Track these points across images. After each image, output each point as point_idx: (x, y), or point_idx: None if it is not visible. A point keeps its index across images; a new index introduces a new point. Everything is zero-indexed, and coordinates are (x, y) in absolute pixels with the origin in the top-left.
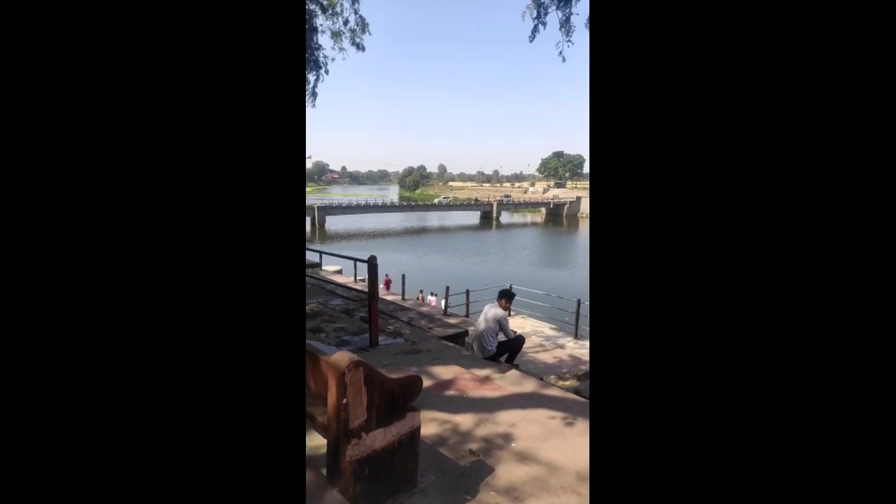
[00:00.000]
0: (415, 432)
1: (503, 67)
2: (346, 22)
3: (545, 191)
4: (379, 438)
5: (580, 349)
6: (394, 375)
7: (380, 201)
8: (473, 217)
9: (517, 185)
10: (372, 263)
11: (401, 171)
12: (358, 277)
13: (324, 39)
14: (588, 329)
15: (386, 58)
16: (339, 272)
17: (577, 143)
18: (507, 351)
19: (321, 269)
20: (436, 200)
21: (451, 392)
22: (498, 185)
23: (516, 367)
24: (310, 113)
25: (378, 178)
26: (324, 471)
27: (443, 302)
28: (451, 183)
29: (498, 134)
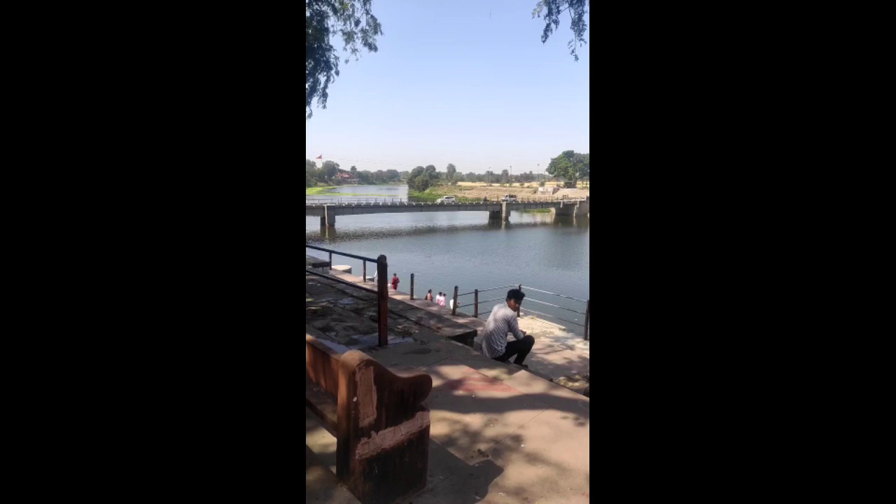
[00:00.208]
0: (424, 432)
1: (513, 67)
2: (357, 23)
3: (555, 191)
4: (388, 437)
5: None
6: (403, 375)
7: (389, 201)
8: (482, 217)
9: (527, 184)
10: (381, 263)
11: (410, 170)
12: (367, 277)
13: (335, 40)
14: None
15: (396, 57)
16: (349, 271)
17: (588, 142)
18: (517, 351)
19: (330, 268)
20: (438, 200)
21: (459, 392)
22: (507, 184)
23: (525, 367)
24: (320, 113)
25: (387, 177)
26: (333, 469)
27: (451, 302)
28: (460, 183)
29: (507, 134)
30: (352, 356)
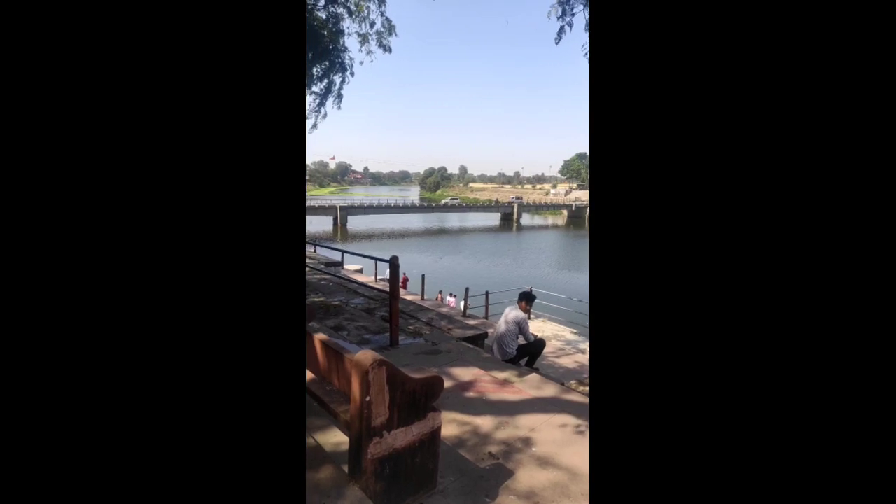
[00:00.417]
0: (435, 433)
1: (526, 67)
2: (372, 24)
3: (567, 193)
4: (400, 437)
5: None
6: (416, 375)
7: (400, 202)
8: (494, 219)
9: (539, 186)
10: (393, 264)
11: (422, 171)
12: (378, 277)
13: (350, 42)
14: None
15: (409, 58)
16: (360, 271)
17: None
18: (528, 354)
19: (342, 268)
20: (443, 202)
21: (470, 394)
22: (519, 186)
23: (536, 370)
24: (334, 114)
25: (399, 178)
26: (345, 467)
27: (462, 303)
28: (471, 184)
29: (520, 135)
30: (365, 356)
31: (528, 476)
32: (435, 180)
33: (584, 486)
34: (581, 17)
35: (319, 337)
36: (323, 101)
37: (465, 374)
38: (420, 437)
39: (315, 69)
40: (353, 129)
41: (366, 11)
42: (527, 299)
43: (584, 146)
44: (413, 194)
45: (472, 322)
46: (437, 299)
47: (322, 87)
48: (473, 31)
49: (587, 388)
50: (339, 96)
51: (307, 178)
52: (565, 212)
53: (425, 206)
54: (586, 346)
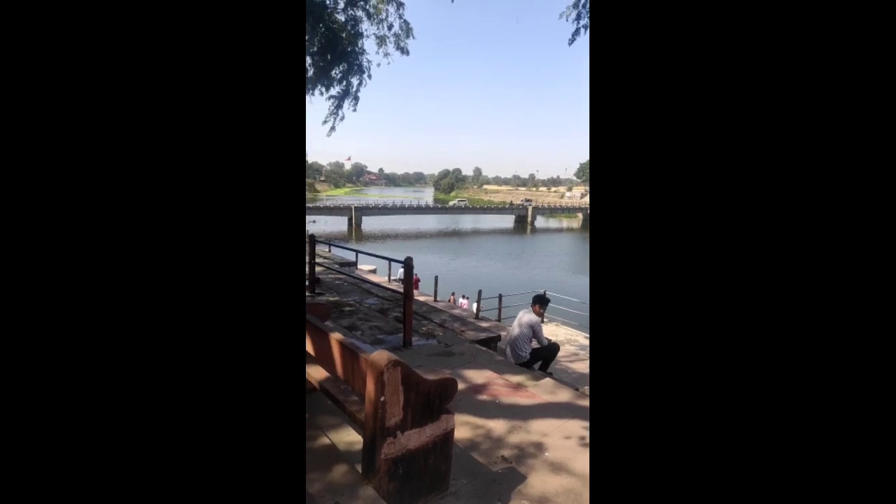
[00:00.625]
0: (448, 435)
1: (542, 68)
2: (390, 27)
3: (582, 196)
4: (413, 438)
5: None
6: (430, 377)
7: (414, 203)
8: (507, 221)
9: (554, 189)
10: (408, 265)
11: (436, 173)
12: (392, 277)
13: (367, 44)
14: None
15: (425, 60)
16: (374, 272)
17: None
18: (541, 358)
19: (357, 268)
20: (451, 203)
21: (483, 397)
22: (534, 188)
23: (550, 375)
24: (350, 116)
25: (414, 180)
26: (359, 467)
27: (474, 305)
28: (486, 186)
29: (535, 137)
30: (380, 356)
31: (540, 481)
32: (449, 182)
33: None
34: None
35: (336, 336)
36: (340, 103)
37: (478, 376)
38: (433, 438)
39: (334, 72)
40: (369, 131)
41: (384, 14)
42: (540, 303)
43: None
44: (427, 196)
45: (484, 324)
46: (449, 301)
47: (340, 89)
48: (490, 32)
49: None
50: (356, 98)
51: (323, 178)
52: (580, 215)
53: (436, 208)
54: None
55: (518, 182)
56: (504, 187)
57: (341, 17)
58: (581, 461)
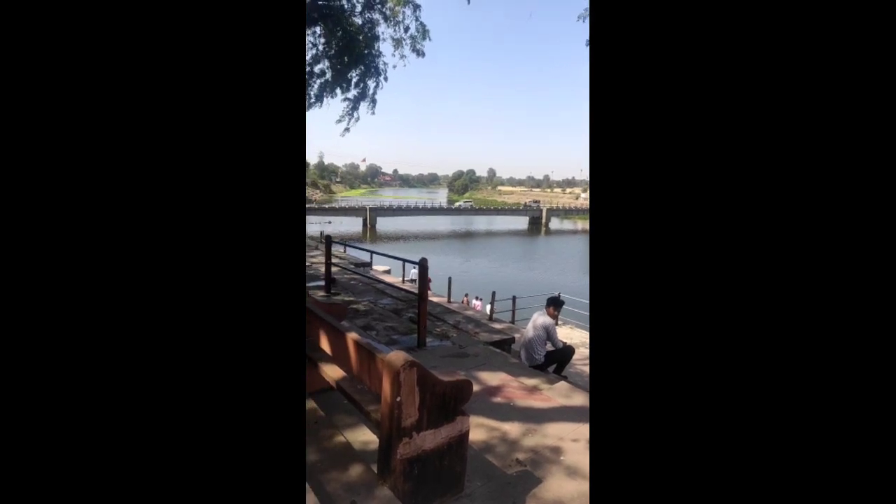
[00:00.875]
0: (463, 436)
1: (556, 68)
2: (406, 29)
3: None
4: (429, 439)
5: None
6: (445, 378)
7: (428, 204)
8: (522, 222)
9: (569, 190)
10: (423, 266)
11: (450, 174)
12: (406, 278)
13: (384, 46)
14: None
15: (440, 60)
16: (388, 272)
17: None
18: (556, 361)
19: (371, 269)
20: (456, 204)
21: (498, 399)
22: (549, 190)
23: (565, 378)
24: (366, 118)
25: (428, 181)
26: (374, 467)
27: (488, 307)
28: (500, 187)
29: (549, 138)
30: (397, 356)
31: (556, 485)
32: (463, 183)
33: None
34: None
35: (352, 336)
36: (356, 105)
37: (492, 378)
38: (448, 439)
39: (350, 74)
40: (384, 132)
41: (401, 16)
42: (555, 305)
43: None
44: (441, 197)
45: (498, 326)
46: (462, 302)
47: (357, 91)
48: (505, 31)
49: None
50: (374, 101)
51: (339, 179)
52: None
53: (449, 209)
54: None
55: (532, 183)
56: (518, 188)
57: (358, 21)
58: None
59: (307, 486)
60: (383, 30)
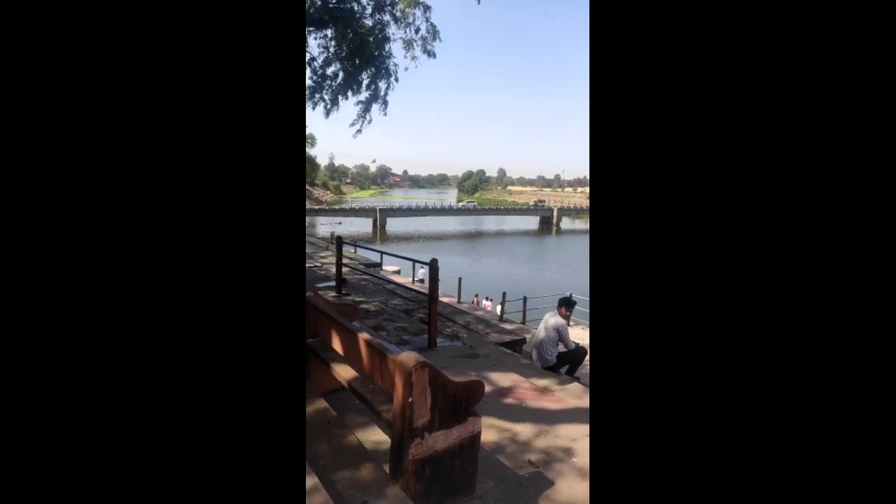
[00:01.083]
0: (475, 437)
1: (565, 67)
2: (417, 30)
3: None
4: (441, 440)
5: None
6: (457, 379)
7: (437, 205)
8: (532, 222)
9: (580, 190)
10: (433, 266)
11: (460, 174)
12: (416, 279)
13: (394, 48)
14: None
15: (450, 61)
16: (398, 272)
17: None
18: (568, 363)
19: (381, 269)
20: (460, 204)
21: (509, 400)
22: (560, 189)
23: (577, 379)
24: (376, 119)
25: (438, 181)
26: (386, 466)
27: (498, 307)
28: (510, 187)
29: (560, 137)
30: (409, 357)
31: (568, 487)
32: (473, 183)
33: None
34: None
35: (364, 336)
36: (368, 107)
37: (503, 379)
38: (460, 440)
39: (362, 76)
40: (394, 133)
41: (411, 18)
42: (567, 305)
43: None
44: (451, 197)
45: (508, 327)
46: (473, 302)
47: (368, 93)
48: (514, 30)
49: None
50: (385, 102)
51: (349, 180)
52: None
53: (454, 210)
54: None
55: (543, 183)
56: (528, 188)
57: (369, 22)
58: None
59: (319, 484)
60: (394, 31)
